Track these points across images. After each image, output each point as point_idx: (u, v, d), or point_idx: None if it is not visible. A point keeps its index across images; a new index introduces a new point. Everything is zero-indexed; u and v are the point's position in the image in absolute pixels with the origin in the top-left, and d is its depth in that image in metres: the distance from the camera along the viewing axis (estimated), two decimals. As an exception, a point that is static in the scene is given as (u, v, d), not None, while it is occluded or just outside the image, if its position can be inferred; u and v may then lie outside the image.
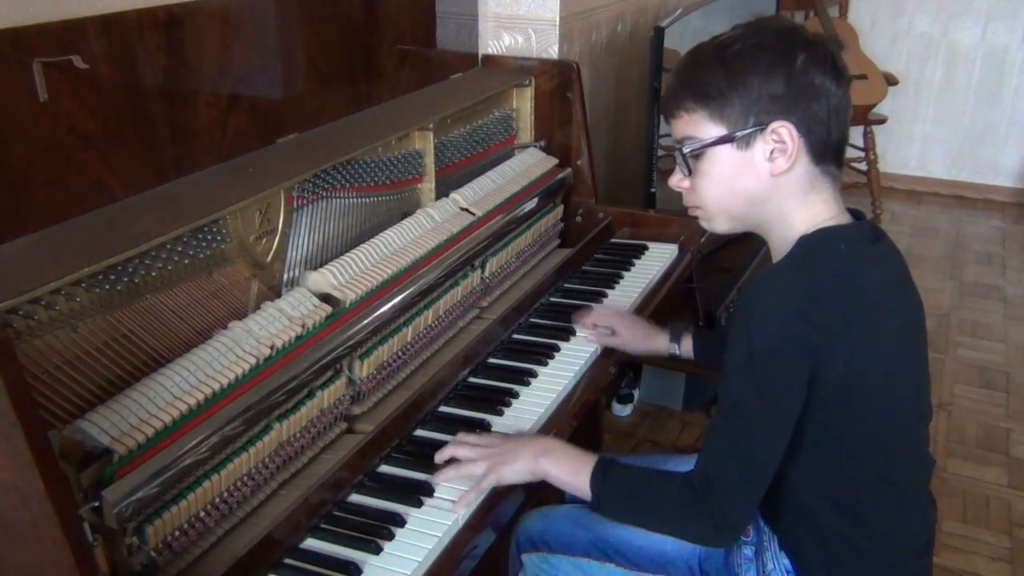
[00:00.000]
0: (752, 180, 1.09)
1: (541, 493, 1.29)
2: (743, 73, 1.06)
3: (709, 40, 1.12)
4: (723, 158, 1.10)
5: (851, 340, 1.04)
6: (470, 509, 1.16)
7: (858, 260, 1.08)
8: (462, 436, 1.25)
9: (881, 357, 1.08)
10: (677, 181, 1.16)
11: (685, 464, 1.36)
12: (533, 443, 1.23)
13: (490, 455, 1.20)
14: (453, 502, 1.16)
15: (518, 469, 1.19)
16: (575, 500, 1.22)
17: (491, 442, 1.23)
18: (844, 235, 1.09)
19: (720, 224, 1.16)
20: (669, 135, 1.18)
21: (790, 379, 1.04)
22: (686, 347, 1.54)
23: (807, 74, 1.05)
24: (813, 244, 1.08)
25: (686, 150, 1.12)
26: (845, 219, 1.12)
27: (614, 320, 1.59)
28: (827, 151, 1.09)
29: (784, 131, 1.06)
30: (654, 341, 1.56)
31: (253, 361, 1.12)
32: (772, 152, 1.07)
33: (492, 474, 1.18)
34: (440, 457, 1.23)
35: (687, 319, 2.25)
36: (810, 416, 1.06)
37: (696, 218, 1.19)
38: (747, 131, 1.07)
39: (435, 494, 1.18)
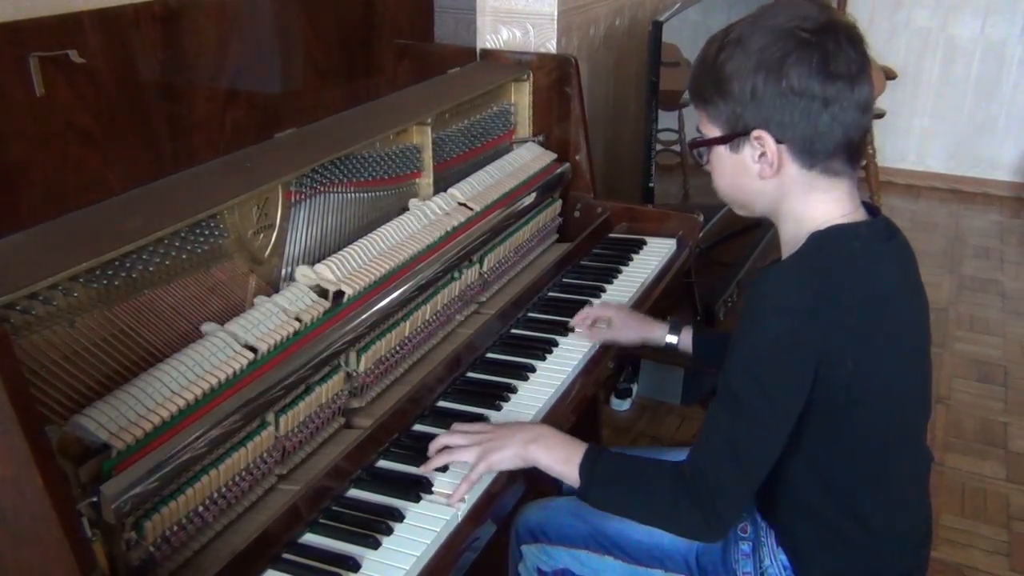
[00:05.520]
0: (749, 180, 1.10)
1: (540, 484, 1.29)
2: (726, 78, 1.05)
3: (719, 32, 1.10)
4: (722, 158, 1.12)
5: (860, 341, 1.03)
6: (470, 500, 1.15)
7: (871, 260, 1.07)
8: (456, 426, 1.26)
9: (889, 358, 1.07)
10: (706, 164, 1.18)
11: (682, 456, 1.36)
12: (525, 430, 1.23)
13: (481, 442, 1.20)
14: (448, 495, 1.15)
15: (508, 456, 1.19)
16: (573, 492, 1.21)
17: (483, 429, 1.24)
18: (858, 233, 1.07)
19: (737, 210, 1.19)
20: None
21: (795, 377, 1.03)
22: (685, 340, 1.52)
23: (789, 78, 1.01)
24: (825, 241, 1.07)
25: (695, 146, 1.14)
26: (860, 215, 1.10)
27: (609, 311, 1.58)
28: (817, 155, 1.05)
29: (763, 138, 1.06)
30: (650, 330, 1.54)
31: (251, 356, 1.12)
32: (759, 156, 1.07)
33: (483, 462, 1.18)
34: (433, 447, 1.22)
35: (687, 314, 2.25)
36: (812, 412, 1.06)
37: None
38: (734, 136, 1.08)
39: (434, 488, 1.17)
